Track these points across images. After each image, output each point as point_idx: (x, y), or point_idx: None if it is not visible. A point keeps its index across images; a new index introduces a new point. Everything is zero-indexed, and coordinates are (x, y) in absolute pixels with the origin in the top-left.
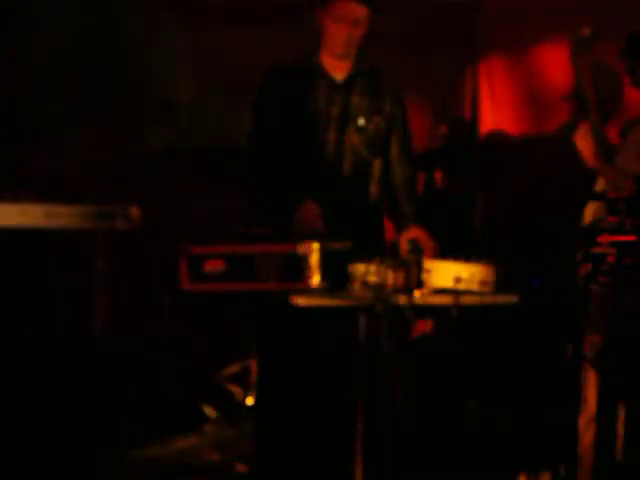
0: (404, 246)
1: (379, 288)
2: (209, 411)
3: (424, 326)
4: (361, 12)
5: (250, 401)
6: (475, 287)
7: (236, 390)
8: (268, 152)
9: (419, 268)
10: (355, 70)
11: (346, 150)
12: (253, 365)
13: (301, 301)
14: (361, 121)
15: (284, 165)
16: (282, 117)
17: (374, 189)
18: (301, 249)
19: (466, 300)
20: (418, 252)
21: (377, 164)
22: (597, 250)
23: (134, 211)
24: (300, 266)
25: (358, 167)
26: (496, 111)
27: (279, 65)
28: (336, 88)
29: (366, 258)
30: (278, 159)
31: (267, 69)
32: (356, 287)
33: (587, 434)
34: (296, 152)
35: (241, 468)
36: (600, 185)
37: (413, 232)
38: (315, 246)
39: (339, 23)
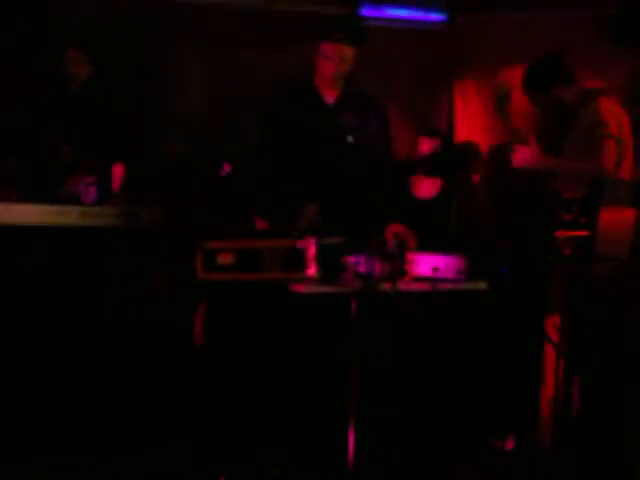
0: (390, 239)
1: (368, 277)
2: None
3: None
4: (348, 52)
5: None
6: (450, 275)
7: None
8: (269, 167)
9: (403, 259)
10: (344, 94)
11: (338, 164)
12: None
13: (300, 289)
14: (350, 138)
15: (282, 178)
16: (281, 134)
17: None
18: (301, 244)
19: (442, 286)
20: (402, 245)
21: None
22: (556, 244)
23: (158, 211)
24: (300, 258)
25: (350, 179)
26: (469, 124)
27: (281, 83)
28: (327, 109)
29: (357, 251)
30: (277, 173)
31: (272, 86)
32: (348, 276)
33: (547, 404)
34: (293, 166)
35: None
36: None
37: (396, 227)
38: (313, 241)
39: (327, 60)
